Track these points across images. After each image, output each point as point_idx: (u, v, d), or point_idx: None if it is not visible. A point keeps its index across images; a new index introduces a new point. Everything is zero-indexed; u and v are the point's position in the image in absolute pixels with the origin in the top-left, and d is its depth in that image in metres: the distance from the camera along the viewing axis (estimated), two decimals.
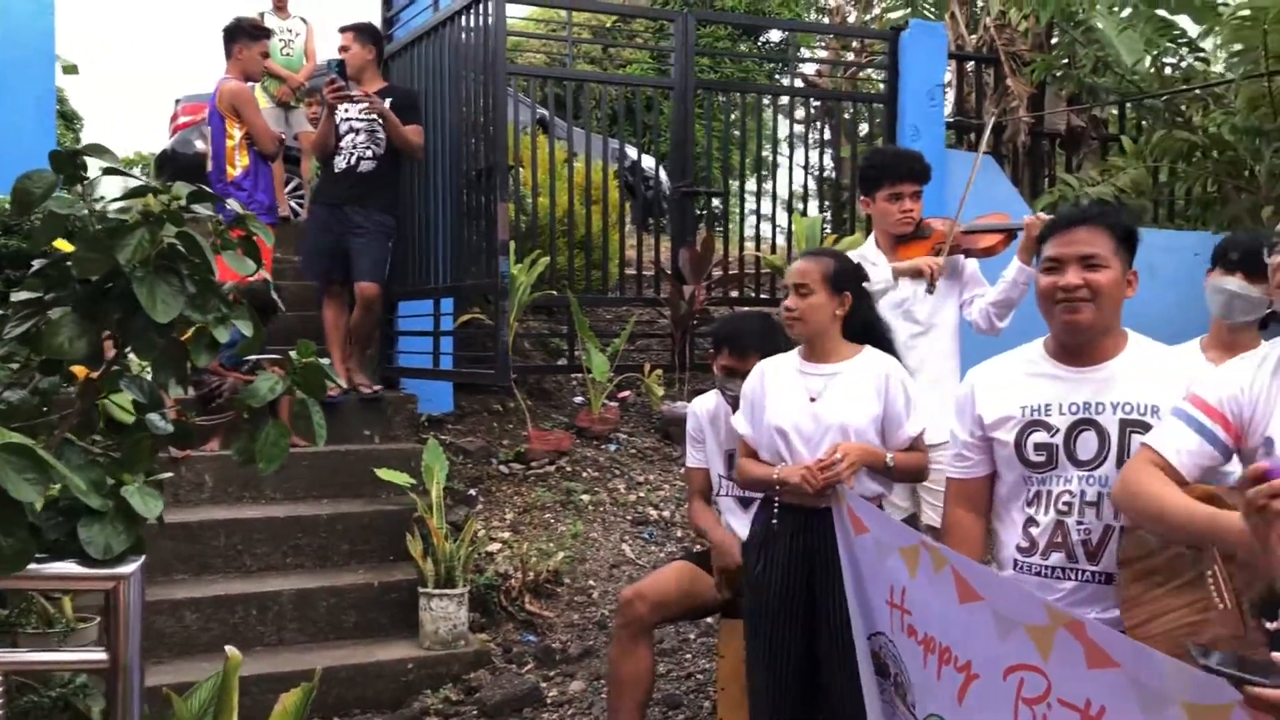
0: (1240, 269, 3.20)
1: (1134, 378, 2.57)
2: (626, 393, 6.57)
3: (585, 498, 5.58)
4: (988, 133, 5.32)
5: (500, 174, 5.16)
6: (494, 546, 5.08)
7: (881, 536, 2.81)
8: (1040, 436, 2.61)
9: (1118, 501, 2.38)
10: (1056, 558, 2.57)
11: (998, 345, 3.00)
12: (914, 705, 2.72)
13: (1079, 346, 2.62)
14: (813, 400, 3.16)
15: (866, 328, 3.32)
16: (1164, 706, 1.88)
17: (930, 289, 4.01)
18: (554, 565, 4.96)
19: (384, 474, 4.88)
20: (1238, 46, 5.03)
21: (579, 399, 6.53)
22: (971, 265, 4.25)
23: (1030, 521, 2.63)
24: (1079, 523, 2.55)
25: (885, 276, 4.02)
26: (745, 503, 3.68)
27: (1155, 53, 5.67)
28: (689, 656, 4.62)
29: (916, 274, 4.01)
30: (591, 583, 5.03)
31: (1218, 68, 5.69)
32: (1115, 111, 7.53)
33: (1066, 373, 2.63)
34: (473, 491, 5.48)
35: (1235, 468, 2.32)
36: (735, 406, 3.49)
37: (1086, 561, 2.54)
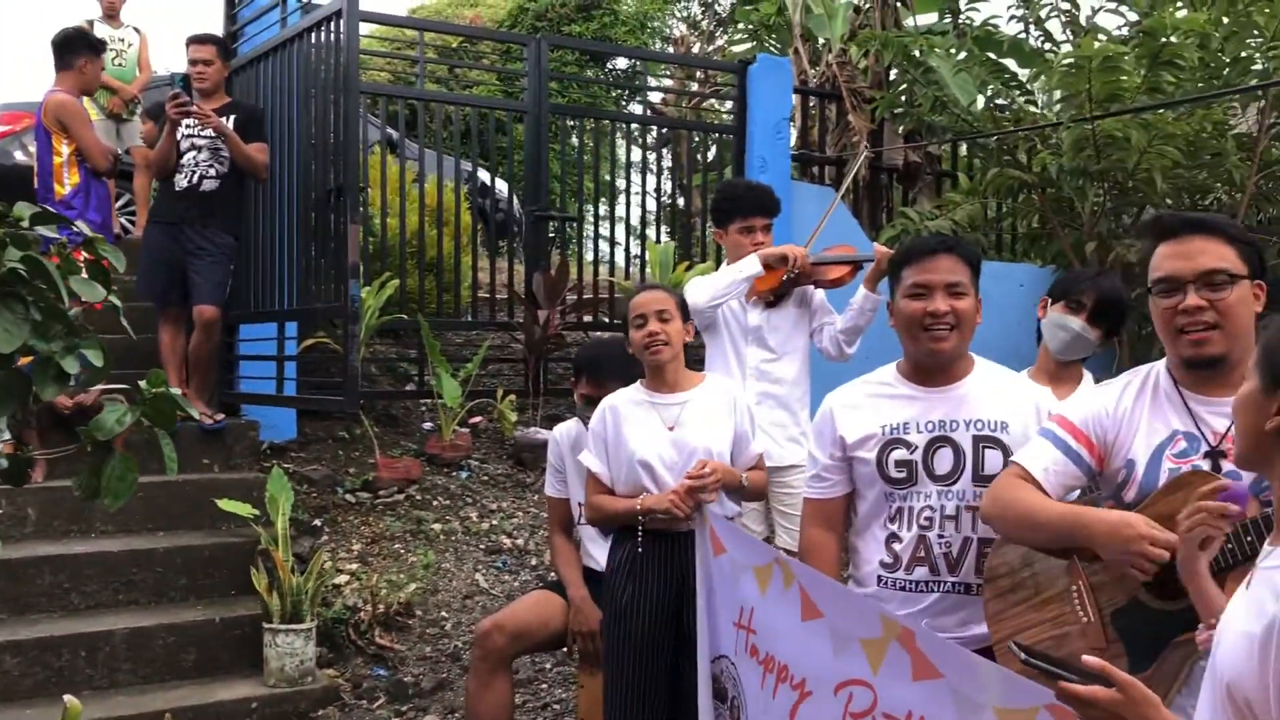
0: (1087, 314, 3.35)
1: (983, 397, 2.70)
2: (478, 419, 6.48)
3: (436, 527, 5.47)
4: (856, 168, 5.51)
5: (351, 194, 5.04)
6: (342, 579, 4.93)
7: (738, 555, 2.86)
8: (901, 454, 2.70)
9: (988, 514, 2.46)
10: (920, 572, 2.66)
11: (847, 372, 3.09)
12: None
13: (935, 368, 2.73)
14: (671, 429, 3.21)
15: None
16: (978, 713, 1.96)
17: (790, 275, 4.11)
18: (405, 597, 4.83)
19: (225, 504, 4.68)
20: (1064, 92, 5.35)
21: (429, 425, 6.40)
22: (820, 294, 4.39)
23: (893, 538, 2.71)
24: (940, 536, 2.65)
25: (751, 264, 4.11)
26: (606, 531, 3.68)
27: (988, 94, 5.96)
28: (545, 686, 4.57)
29: (783, 260, 4.12)
30: (444, 614, 4.93)
31: (1048, 110, 6.03)
32: (949, 149, 7.89)
33: (922, 393, 2.74)
34: (318, 522, 5.30)
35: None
36: None
37: (948, 573, 2.64)
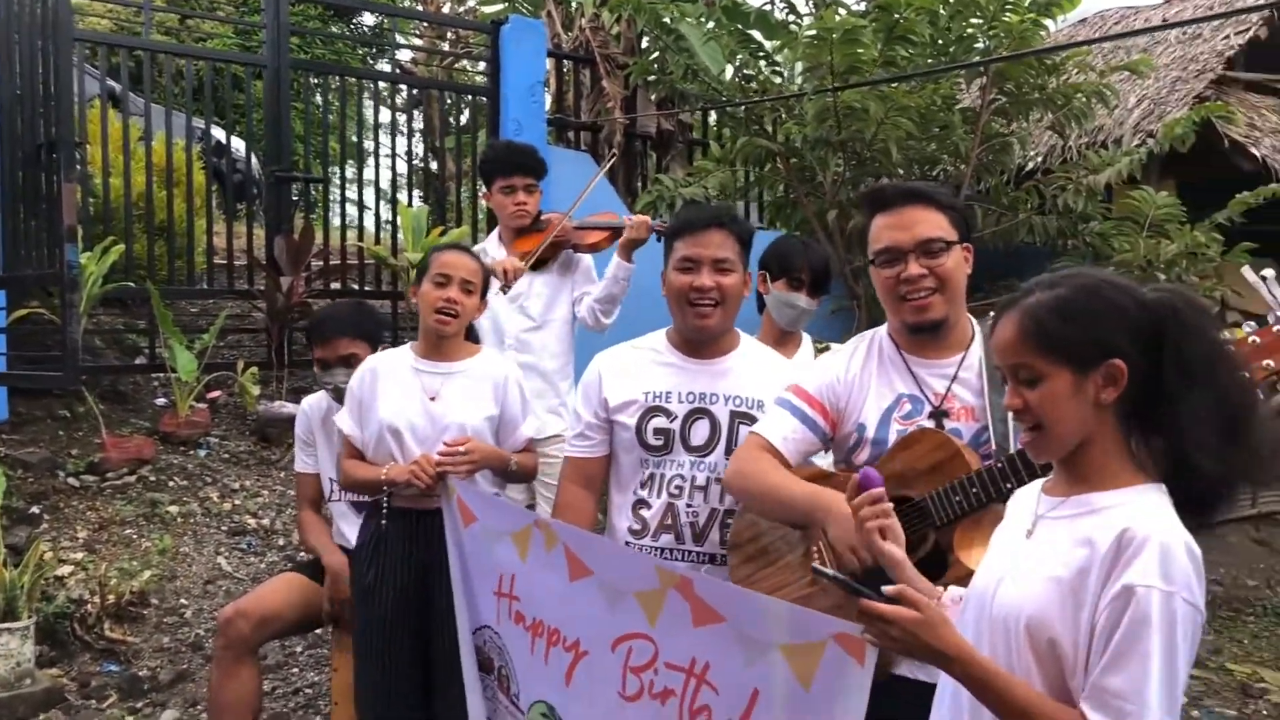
0: (806, 288, 3.47)
1: (745, 374, 2.74)
2: (217, 393, 6.08)
3: (173, 509, 5.11)
4: (617, 139, 5.48)
5: (65, 150, 4.59)
6: (65, 569, 4.52)
7: (491, 523, 2.78)
8: (660, 421, 2.71)
9: (729, 484, 2.50)
10: (666, 539, 2.69)
11: (614, 339, 3.06)
12: (517, 696, 2.71)
13: (699, 341, 2.75)
14: (432, 400, 3.08)
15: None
16: (764, 653, 1.97)
17: (504, 289, 4.02)
18: (139, 585, 4.48)
19: None
20: (807, 64, 5.52)
21: (162, 401, 5.96)
22: (586, 261, 4.34)
23: (642, 504, 2.73)
24: (688, 505, 2.68)
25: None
26: (360, 507, 3.51)
27: (737, 64, 6.08)
28: (296, 671, 4.35)
29: (491, 274, 4.00)
30: (184, 601, 4.61)
31: (790, 83, 6.21)
32: (701, 118, 8.04)
33: (687, 364, 2.76)
34: (36, 509, 4.84)
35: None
36: (340, 399, 3.33)
37: (693, 543, 2.68)
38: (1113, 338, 1.64)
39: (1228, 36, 8.35)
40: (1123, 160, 6.00)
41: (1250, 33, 8.29)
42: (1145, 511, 1.59)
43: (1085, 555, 1.59)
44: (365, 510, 3.23)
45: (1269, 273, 2.04)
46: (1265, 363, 1.97)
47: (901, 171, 5.77)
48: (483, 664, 2.87)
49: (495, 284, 4.03)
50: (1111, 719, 1.51)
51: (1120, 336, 1.64)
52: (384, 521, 3.04)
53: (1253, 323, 2.01)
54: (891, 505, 1.93)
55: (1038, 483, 1.84)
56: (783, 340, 3.51)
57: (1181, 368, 1.61)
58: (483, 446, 3.01)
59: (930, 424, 2.33)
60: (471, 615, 2.87)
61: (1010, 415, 2.00)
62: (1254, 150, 7.74)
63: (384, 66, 11.99)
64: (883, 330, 2.48)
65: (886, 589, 1.63)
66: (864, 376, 2.43)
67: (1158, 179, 7.73)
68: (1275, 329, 1.97)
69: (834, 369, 2.46)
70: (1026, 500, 1.82)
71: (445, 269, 3.05)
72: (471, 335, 3.32)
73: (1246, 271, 2.09)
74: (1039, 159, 7.98)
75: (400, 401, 3.06)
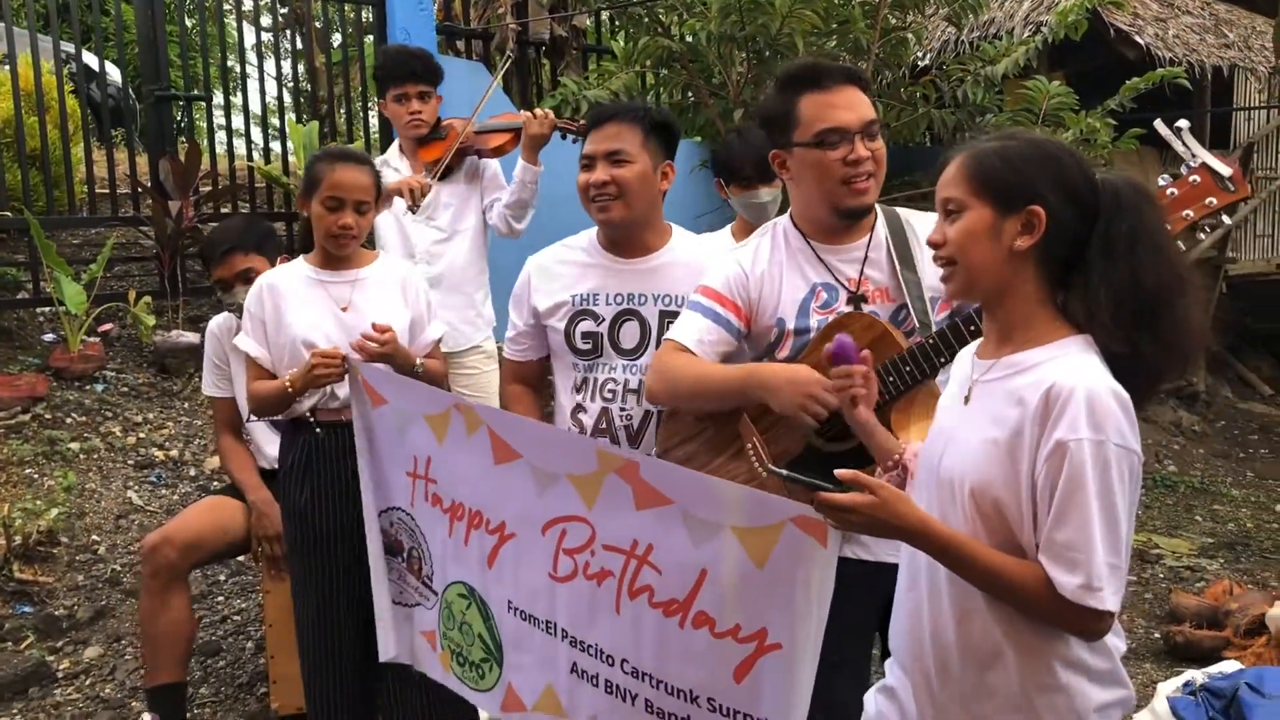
0: (758, 180, 3.37)
1: (675, 271, 2.68)
2: (109, 325, 5.82)
3: (74, 446, 4.91)
4: (506, 65, 5.31)
5: None
6: None
7: (403, 405, 2.69)
8: (588, 325, 2.67)
9: (654, 389, 2.44)
10: (602, 443, 2.65)
11: (539, 246, 2.98)
12: (430, 577, 2.67)
13: (623, 239, 2.69)
14: (344, 310, 2.97)
15: None
16: (714, 534, 1.96)
17: (412, 209, 3.90)
18: (46, 525, 4.31)
19: None
20: None
21: (51, 336, 5.68)
22: (493, 167, 4.23)
23: (579, 408, 2.70)
24: (622, 409, 2.65)
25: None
26: (280, 425, 3.42)
27: None
28: (222, 599, 4.26)
29: (398, 193, 3.89)
30: (96, 537, 4.45)
31: None
32: (592, 22, 7.86)
33: (614, 263, 2.71)
34: None
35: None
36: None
37: (629, 445, 2.65)
38: (1041, 187, 1.66)
39: None
40: (1019, 49, 6.06)
41: None
42: (1070, 365, 1.62)
43: (1018, 415, 1.63)
44: (283, 428, 3.12)
45: (1183, 124, 2.08)
46: (1184, 212, 2.02)
47: None
48: (390, 546, 2.80)
49: (401, 204, 3.91)
50: (1066, 568, 1.56)
51: (1050, 189, 1.66)
52: (319, 433, 2.94)
53: (1168, 176, 2.06)
54: (858, 372, 1.92)
55: (973, 346, 1.86)
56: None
57: (1106, 244, 1.64)
58: (396, 338, 2.90)
59: (850, 309, 2.33)
60: (379, 496, 2.79)
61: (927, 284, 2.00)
62: (1138, 38, 7.93)
63: None
64: (785, 220, 2.45)
65: (840, 472, 1.64)
66: (773, 269, 2.39)
67: (1046, 70, 7.87)
68: (1190, 179, 2.02)
69: (741, 264, 2.42)
70: (963, 366, 1.85)
71: (337, 191, 2.89)
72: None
73: (1159, 125, 2.13)
74: (934, 53, 8.04)
75: (310, 315, 2.94)
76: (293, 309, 2.95)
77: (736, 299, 2.39)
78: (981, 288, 1.72)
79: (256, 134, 7.42)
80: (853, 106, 2.28)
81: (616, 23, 6.93)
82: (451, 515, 2.55)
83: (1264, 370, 10.79)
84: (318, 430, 2.95)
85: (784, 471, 1.74)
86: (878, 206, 2.41)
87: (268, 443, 3.48)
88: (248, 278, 3.30)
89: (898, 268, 2.33)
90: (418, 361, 2.99)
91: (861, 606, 2.22)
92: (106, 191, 6.43)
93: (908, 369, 2.15)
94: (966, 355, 1.86)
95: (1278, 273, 10.52)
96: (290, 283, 3.00)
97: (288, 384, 2.86)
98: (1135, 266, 1.62)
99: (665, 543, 2.06)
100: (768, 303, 2.38)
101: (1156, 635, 4.69)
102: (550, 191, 4.07)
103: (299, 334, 2.92)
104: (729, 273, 2.42)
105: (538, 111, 3.97)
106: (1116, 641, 1.72)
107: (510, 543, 2.39)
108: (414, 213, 3.92)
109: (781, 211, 2.59)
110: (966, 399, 1.77)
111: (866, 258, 2.35)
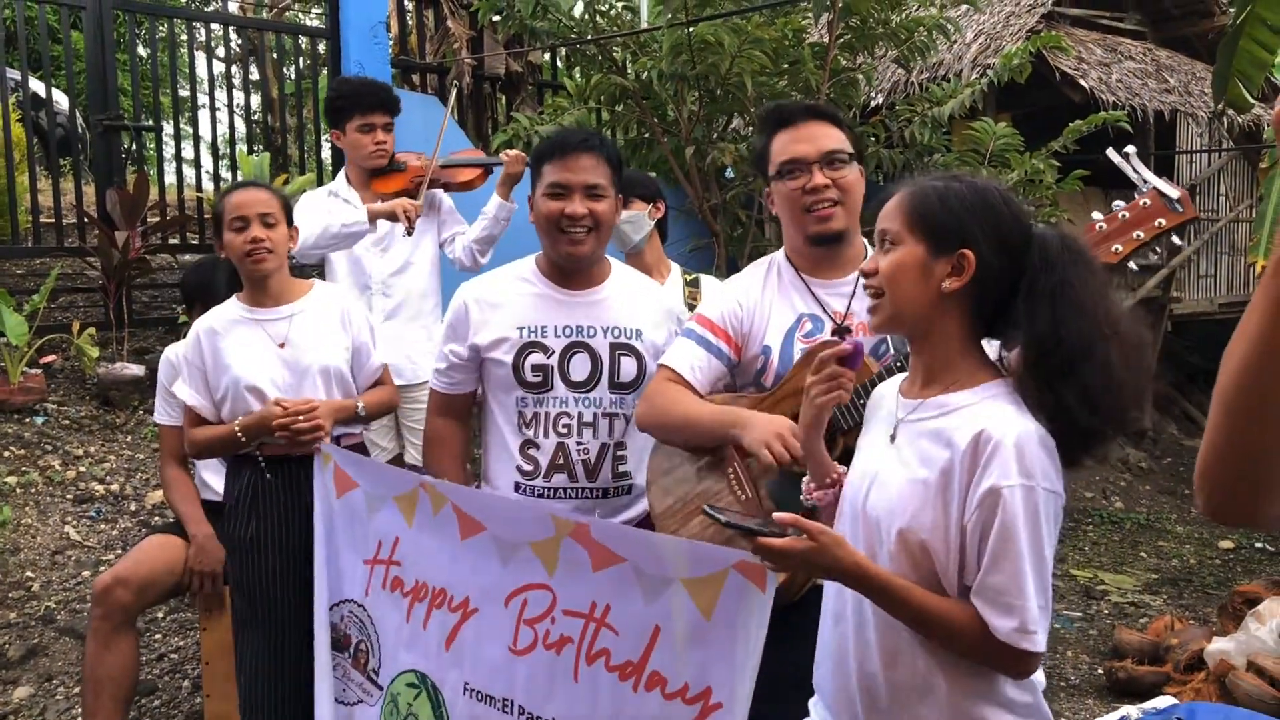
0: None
1: (621, 303, 2.70)
2: (52, 357, 5.73)
3: (11, 480, 4.81)
4: (457, 89, 5.32)
5: None
6: None
7: (372, 488, 2.68)
8: (538, 358, 2.65)
9: (642, 419, 2.47)
10: (559, 479, 2.65)
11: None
12: (376, 671, 2.64)
13: (575, 270, 2.69)
14: (282, 346, 2.92)
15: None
16: (664, 589, 1.98)
17: (409, 231, 3.91)
18: None
19: None
20: None
21: None
22: (448, 202, 4.24)
23: (529, 444, 2.67)
24: (579, 443, 2.64)
25: (359, 218, 3.86)
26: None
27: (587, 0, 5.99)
28: (160, 636, 4.18)
29: (392, 217, 3.89)
30: (30, 574, 4.35)
31: (642, 18, 6.15)
32: (548, 58, 7.91)
33: (561, 295, 2.69)
34: None
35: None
36: None
37: (586, 479, 2.65)
38: (975, 232, 1.69)
39: None
40: (964, 92, 6.17)
41: None
42: (997, 410, 1.64)
43: (946, 457, 1.65)
44: (229, 462, 3.07)
45: (1131, 149, 2.13)
46: (1135, 233, 2.05)
47: (753, 109, 5.80)
48: (338, 641, 2.78)
49: (399, 227, 3.90)
50: (1001, 613, 1.59)
51: (983, 236, 1.69)
52: (267, 475, 2.90)
53: (1120, 201, 2.09)
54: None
55: (895, 381, 1.88)
56: (651, 268, 3.50)
57: (1030, 296, 1.66)
58: (326, 404, 2.87)
59: (834, 339, 2.36)
60: (332, 589, 2.77)
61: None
62: (1082, 81, 8.10)
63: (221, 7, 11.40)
64: (780, 255, 2.51)
65: (778, 516, 1.65)
66: (765, 300, 2.45)
67: (994, 112, 8.02)
68: (1141, 202, 2.06)
69: (735, 295, 2.48)
70: (887, 403, 1.86)
71: (239, 211, 2.87)
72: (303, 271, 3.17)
73: (1111, 153, 2.18)
74: (884, 94, 8.16)
75: (249, 355, 2.89)
76: (230, 350, 2.90)
77: (729, 328, 2.44)
78: (907, 322, 1.75)
79: (208, 164, 7.38)
80: (812, 139, 2.36)
81: (571, 59, 6.98)
82: (412, 598, 2.54)
83: (1207, 408, 10.98)
84: (264, 470, 2.90)
85: (722, 516, 1.75)
86: (867, 244, 2.45)
87: (210, 473, 3.43)
88: None
89: None
90: (359, 406, 2.97)
91: (807, 653, 2.22)
92: (53, 221, 6.35)
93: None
94: (890, 392, 1.87)
95: (1221, 312, 10.73)
96: (225, 324, 2.94)
97: (238, 431, 2.83)
98: (1057, 321, 1.63)
99: (620, 602, 2.08)
100: (757, 331, 2.43)
101: (1099, 671, 4.72)
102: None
103: (239, 376, 2.87)
104: (723, 303, 2.47)
105: (514, 152, 4.03)
106: (1038, 675, 1.74)
107: (472, 619, 2.38)
108: (409, 234, 3.92)
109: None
110: (892, 437, 1.78)
111: (855, 293, 2.39)
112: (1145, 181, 2.07)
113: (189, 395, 2.93)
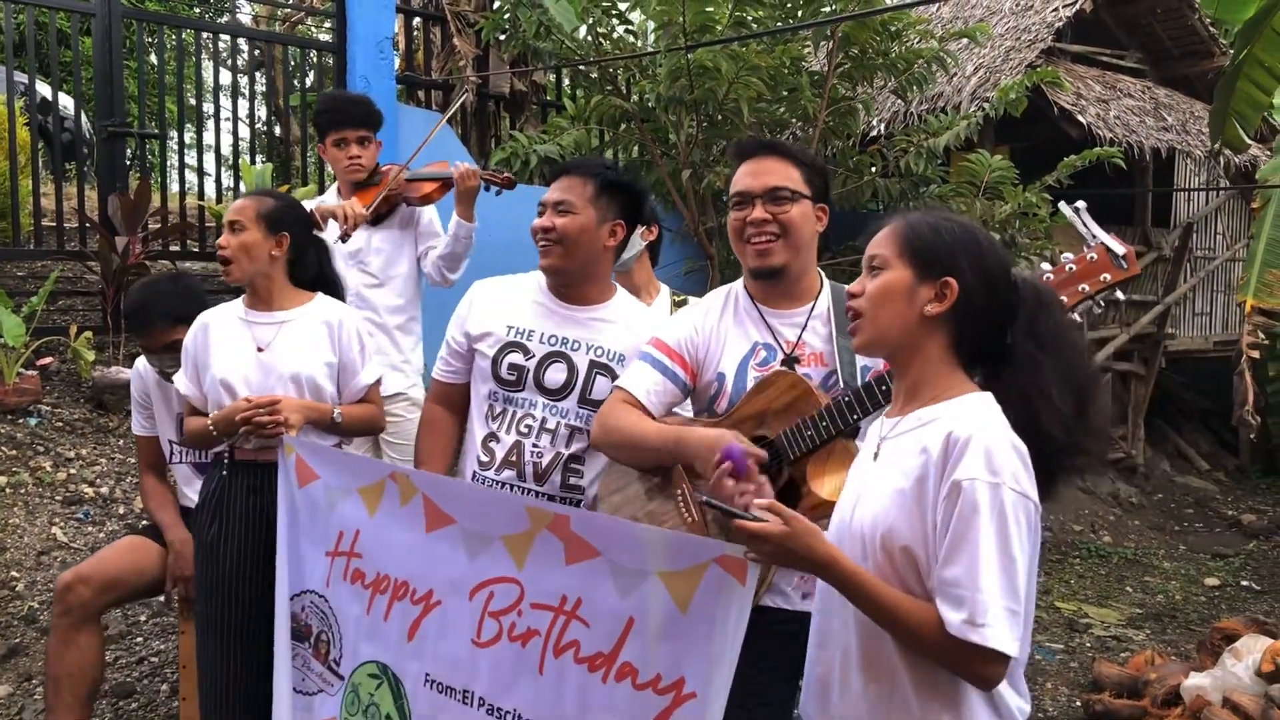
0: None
1: (612, 327, 2.79)
2: (49, 359, 5.78)
3: (1, 480, 4.84)
4: (461, 98, 5.37)
5: None
6: None
7: (335, 480, 2.72)
8: (516, 358, 2.75)
9: (597, 439, 2.54)
10: (508, 474, 2.72)
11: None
12: (338, 661, 2.67)
13: (565, 286, 2.79)
14: (260, 350, 2.99)
15: (320, 276, 3.20)
16: (639, 582, 2.01)
17: (343, 239, 3.91)
18: None
19: None
20: (659, 21, 5.54)
21: None
22: (428, 215, 4.24)
23: (491, 437, 2.76)
24: (534, 446, 2.72)
25: (335, 233, 3.89)
26: (203, 469, 3.41)
27: (590, 22, 6.06)
28: (141, 640, 4.20)
29: (335, 217, 3.90)
30: (15, 574, 4.38)
31: (642, 42, 6.23)
32: (553, 78, 7.98)
33: (557, 307, 2.80)
34: None
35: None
36: (169, 381, 3.24)
37: (533, 482, 2.72)
38: (961, 262, 1.76)
39: (1057, 9, 8.77)
40: (961, 124, 6.23)
41: (1077, 6, 8.72)
42: (970, 414, 1.69)
43: (921, 462, 1.69)
44: (207, 470, 3.14)
45: (1081, 204, 2.20)
46: (1081, 286, 2.12)
47: (752, 134, 5.86)
48: (298, 631, 2.81)
49: (335, 229, 3.90)
50: (953, 606, 1.60)
51: (968, 267, 1.76)
52: (224, 473, 2.96)
53: (1069, 254, 2.16)
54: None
55: (884, 411, 1.94)
56: (640, 288, 3.55)
57: (1034, 338, 1.74)
58: (294, 402, 2.91)
59: (783, 369, 2.42)
60: (293, 580, 2.80)
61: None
62: (1080, 117, 8.16)
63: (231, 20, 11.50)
64: (739, 285, 2.58)
65: (759, 501, 1.73)
66: (721, 328, 2.52)
67: (992, 144, 8.08)
68: (1088, 256, 2.13)
69: (692, 321, 2.55)
70: (874, 429, 1.92)
71: (226, 219, 3.01)
72: (321, 283, 3.19)
73: (1063, 206, 2.25)
74: (882, 124, 8.23)
75: (229, 355, 2.99)
76: (215, 347, 3.00)
77: (685, 354, 2.50)
78: (888, 343, 1.81)
79: (212, 172, 7.45)
80: (759, 174, 2.43)
81: (574, 80, 7.06)
82: (374, 590, 2.56)
83: (1201, 445, 11.01)
84: (224, 472, 2.96)
85: (705, 497, 1.80)
86: (825, 280, 2.53)
87: (188, 485, 3.47)
88: (174, 349, 3.23)
89: (835, 336, 2.44)
90: (335, 412, 3.01)
91: (786, 648, 2.26)
92: (55, 225, 6.40)
93: (824, 424, 2.22)
94: (879, 419, 1.93)
95: (1214, 350, 10.77)
96: (220, 321, 3.05)
97: (209, 424, 2.90)
98: (1069, 361, 1.73)
99: (593, 595, 2.10)
100: (712, 358, 2.49)
101: (1078, 703, 4.74)
102: (479, 240, 4.12)
103: (216, 373, 2.97)
104: (681, 329, 2.54)
105: (462, 165, 4.01)
106: (1021, 703, 1.76)
107: (435, 611, 2.41)
108: (344, 241, 3.91)
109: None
110: (876, 455, 1.83)
111: (807, 324, 2.46)
112: (1094, 236, 2.15)
113: (181, 383, 3.06)
